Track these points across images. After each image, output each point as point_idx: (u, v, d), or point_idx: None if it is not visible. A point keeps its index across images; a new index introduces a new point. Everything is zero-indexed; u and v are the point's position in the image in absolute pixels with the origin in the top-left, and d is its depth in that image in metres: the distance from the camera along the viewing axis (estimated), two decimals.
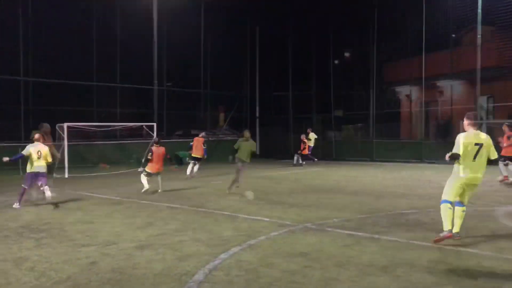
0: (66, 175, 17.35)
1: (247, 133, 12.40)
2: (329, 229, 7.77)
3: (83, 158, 20.01)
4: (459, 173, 6.57)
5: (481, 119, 22.65)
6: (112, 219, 8.91)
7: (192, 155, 16.78)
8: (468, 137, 6.57)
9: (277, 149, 27.41)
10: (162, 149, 12.96)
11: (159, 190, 12.67)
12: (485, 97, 22.82)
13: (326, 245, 6.67)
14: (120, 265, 5.74)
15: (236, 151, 12.17)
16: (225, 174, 16.35)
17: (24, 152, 10.47)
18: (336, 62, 34.39)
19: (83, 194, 12.49)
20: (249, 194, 11.32)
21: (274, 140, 28.05)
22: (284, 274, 5.29)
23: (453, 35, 22.85)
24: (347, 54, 32.87)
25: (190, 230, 7.75)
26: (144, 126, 20.61)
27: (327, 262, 5.77)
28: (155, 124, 20.86)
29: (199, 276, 5.26)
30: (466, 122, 6.75)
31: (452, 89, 22.48)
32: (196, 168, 16.62)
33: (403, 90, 25.96)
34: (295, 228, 7.88)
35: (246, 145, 12.21)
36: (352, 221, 8.48)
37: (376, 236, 7.18)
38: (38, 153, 10.41)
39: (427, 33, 22.84)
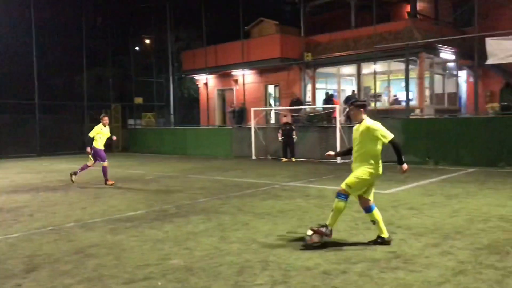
0: None
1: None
2: None
3: None
4: (378, 170, 5.83)
5: (270, 106, 24.78)
6: None
7: None
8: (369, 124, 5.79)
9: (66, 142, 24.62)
10: None
11: None
12: (273, 86, 24.99)
13: None
14: None
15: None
16: None
17: None
18: (137, 49, 33.73)
19: None
20: None
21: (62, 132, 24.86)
22: None
23: (245, 28, 24.28)
24: (147, 41, 32.45)
25: None
26: None
27: None
28: None
29: None
30: (362, 110, 5.84)
31: (245, 78, 23.96)
32: None
33: (201, 78, 26.69)
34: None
35: None
36: None
37: None
38: None
39: (221, 24, 23.87)
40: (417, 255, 5.32)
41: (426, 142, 15.61)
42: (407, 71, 18.15)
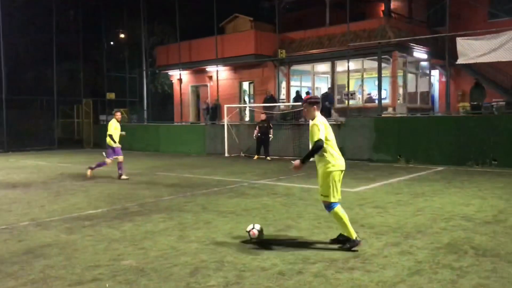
0: None
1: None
2: None
3: None
4: (334, 165, 5.54)
5: (245, 102, 24.63)
6: None
7: None
8: (325, 121, 5.65)
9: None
10: None
11: None
12: (247, 83, 24.83)
13: None
14: None
15: None
16: None
17: None
18: (111, 43, 33.16)
19: None
20: None
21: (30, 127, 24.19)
22: None
23: (220, 25, 24.05)
24: (120, 36, 31.93)
25: None
26: None
27: None
28: None
29: None
30: (314, 106, 5.69)
31: (219, 74, 23.73)
32: None
33: (175, 74, 26.35)
34: None
35: None
36: None
37: None
38: None
39: (196, 20, 23.58)
40: (376, 255, 5.24)
41: (398, 141, 15.67)
42: (380, 69, 18.20)
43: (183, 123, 24.09)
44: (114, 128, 12.22)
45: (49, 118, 24.22)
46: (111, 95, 26.73)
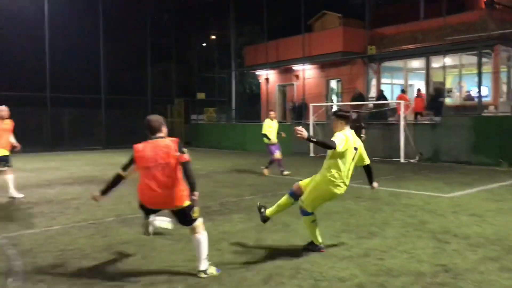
0: None
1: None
2: None
3: None
4: (335, 185, 5.25)
5: (332, 101, 24.06)
6: None
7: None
8: (349, 139, 5.20)
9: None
10: None
11: None
12: (335, 81, 24.23)
13: None
14: None
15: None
16: None
17: None
18: (204, 44, 34.14)
19: None
20: None
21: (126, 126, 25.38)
22: None
23: (308, 22, 23.71)
24: (211, 37, 32.76)
25: None
26: None
27: None
28: None
29: None
30: (342, 121, 5.33)
31: (306, 73, 23.40)
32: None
33: (262, 74, 26.44)
34: None
35: None
36: None
37: None
38: None
39: (284, 19, 23.44)
40: (470, 270, 4.68)
41: (499, 142, 14.32)
42: (480, 65, 16.80)
43: None
44: (268, 126, 12.51)
45: (143, 117, 25.36)
46: (201, 95, 27.46)
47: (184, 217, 4.69)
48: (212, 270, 4.66)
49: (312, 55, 22.55)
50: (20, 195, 9.32)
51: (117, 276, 4.70)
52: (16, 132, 9.45)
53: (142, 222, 5.15)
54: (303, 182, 5.62)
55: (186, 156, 4.57)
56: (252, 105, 29.51)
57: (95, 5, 23.37)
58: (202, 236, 4.70)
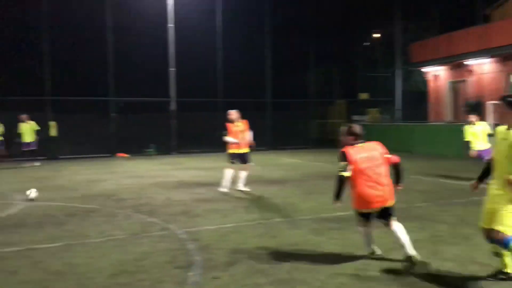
0: None
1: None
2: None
3: None
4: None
5: None
6: None
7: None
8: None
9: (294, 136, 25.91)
10: None
11: None
12: None
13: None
14: None
15: None
16: None
17: None
18: (367, 43, 33.36)
19: None
20: None
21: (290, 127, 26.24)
22: None
23: (485, 12, 21.55)
24: (375, 36, 31.86)
25: None
26: None
27: None
28: None
29: None
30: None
31: (481, 67, 21.22)
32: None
33: (430, 71, 24.76)
34: None
35: None
36: None
37: None
38: None
39: (454, 10, 21.67)
40: None
41: None
42: None
43: (439, 123, 22.40)
44: (471, 133, 11.44)
45: (305, 119, 25.84)
46: (363, 95, 26.83)
47: (389, 211, 5.15)
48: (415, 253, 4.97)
49: (490, 47, 20.35)
50: (247, 189, 10.33)
51: (287, 279, 4.69)
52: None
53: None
54: (486, 219, 4.70)
55: (396, 158, 5.27)
56: (417, 105, 27.86)
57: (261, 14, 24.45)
58: (398, 224, 5.16)
